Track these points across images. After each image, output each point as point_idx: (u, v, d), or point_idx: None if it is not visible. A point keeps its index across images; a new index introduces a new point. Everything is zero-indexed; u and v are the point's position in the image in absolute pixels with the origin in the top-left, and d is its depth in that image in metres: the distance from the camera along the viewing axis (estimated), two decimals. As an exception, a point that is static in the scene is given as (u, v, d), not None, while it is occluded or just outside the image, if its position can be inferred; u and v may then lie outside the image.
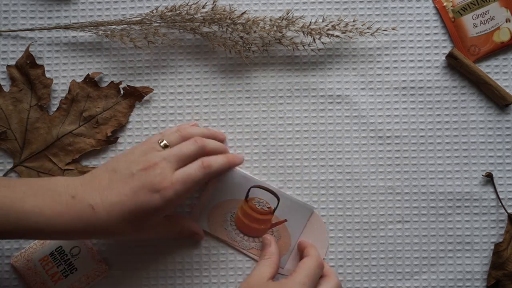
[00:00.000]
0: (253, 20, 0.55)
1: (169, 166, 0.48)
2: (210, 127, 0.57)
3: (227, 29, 0.55)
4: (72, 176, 0.52)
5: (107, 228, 0.47)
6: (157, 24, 0.56)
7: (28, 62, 0.56)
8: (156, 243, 0.56)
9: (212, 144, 0.52)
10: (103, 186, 0.47)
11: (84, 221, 0.46)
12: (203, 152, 0.51)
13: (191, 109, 0.57)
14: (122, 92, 0.57)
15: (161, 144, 0.50)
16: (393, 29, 0.57)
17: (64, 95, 0.57)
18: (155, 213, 0.48)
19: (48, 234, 0.46)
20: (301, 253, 0.54)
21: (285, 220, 0.55)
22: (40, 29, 0.57)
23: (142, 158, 0.49)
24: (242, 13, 0.55)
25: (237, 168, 0.56)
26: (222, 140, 0.56)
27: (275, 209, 0.55)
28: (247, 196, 0.55)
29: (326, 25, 0.56)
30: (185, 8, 0.55)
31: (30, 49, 0.57)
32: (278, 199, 0.55)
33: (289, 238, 0.55)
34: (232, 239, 0.55)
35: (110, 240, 0.55)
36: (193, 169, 0.49)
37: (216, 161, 0.50)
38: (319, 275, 0.52)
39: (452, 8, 0.57)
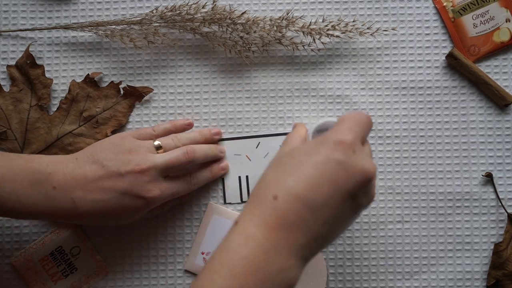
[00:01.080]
0: (253, 20, 0.55)
1: (158, 175, 0.49)
2: (210, 127, 0.57)
3: (227, 29, 0.55)
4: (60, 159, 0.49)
5: (86, 219, 0.48)
6: (157, 24, 0.56)
7: (28, 62, 0.56)
8: (156, 245, 0.56)
9: (202, 155, 0.53)
10: (88, 180, 0.47)
11: (63, 211, 0.47)
12: (192, 164, 0.52)
13: (191, 109, 0.57)
14: (122, 92, 0.57)
15: (155, 144, 0.51)
16: (393, 29, 0.57)
17: (64, 95, 0.57)
18: (137, 214, 0.49)
19: (25, 217, 0.48)
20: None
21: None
22: (40, 29, 0.57)
23: (132, 158, 0.48)
24: (242, 13, 0.55)
25: None
26: (216, 140, 0.56)
27: None
28: None
29: (326, 25, 0.56)
30: (185, 8, 0.55)
31: (30, 49, 0.57)
32: None
33: None
34: None
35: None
36: (181, 183, 0.51)
37: (201, 178, 0.54)
38: (369, 128, 0.43)
39: (452, 8, 0.57)
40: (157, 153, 0.50)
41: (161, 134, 0.53)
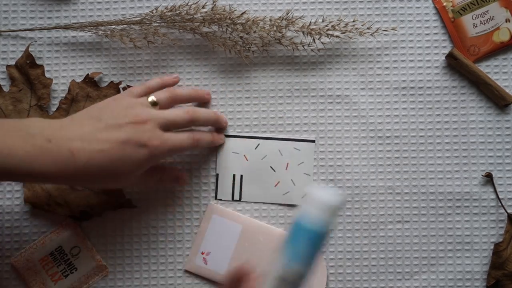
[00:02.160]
0: (253, 20, 0.55)
1: (158, 127, 0.48)
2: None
3: (227, 29, 0.55)
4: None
5: (85, 175, 0.45)
6: (157, 24, 0.56)
7: (27, 62, 0.56)
8: (156, 245, 0.56)
9: (204, 116, 0.52)
10: (85, 132, 0.45)
11: (60, 166, 0.44)
12: (194, 123, 0.51)
13: (191, 109, 0.57)
14: (122, 92, 0.57)
15: (149, 100, 0.49)
16: (393, 29, 0.57)
17: (64, 95, 0.57)
18: (138, 167, 0.47)
19: (20, 177, 0.45)
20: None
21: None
22: (40, 29, 0.57)
23: (130, 111, 0.47)
24: (242, 13, 0.55)
25: None
26: (208, 100, 0.56)
27: None
28: None
29: (326, 25, 0.56)
30: (185, 8, 0.55)
31: (30, 49, 0.57)
32: None
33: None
34: None
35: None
36: (184, 138, 0.50)
37: (204, 138, 0.52)
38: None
39: (452, 8, 0.57)
40: (154, 109, 0.49)
41: (156, 88, 0.52)
